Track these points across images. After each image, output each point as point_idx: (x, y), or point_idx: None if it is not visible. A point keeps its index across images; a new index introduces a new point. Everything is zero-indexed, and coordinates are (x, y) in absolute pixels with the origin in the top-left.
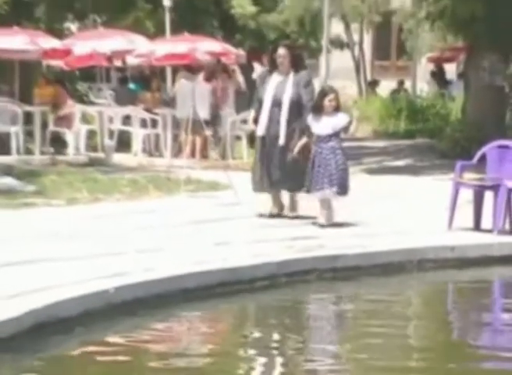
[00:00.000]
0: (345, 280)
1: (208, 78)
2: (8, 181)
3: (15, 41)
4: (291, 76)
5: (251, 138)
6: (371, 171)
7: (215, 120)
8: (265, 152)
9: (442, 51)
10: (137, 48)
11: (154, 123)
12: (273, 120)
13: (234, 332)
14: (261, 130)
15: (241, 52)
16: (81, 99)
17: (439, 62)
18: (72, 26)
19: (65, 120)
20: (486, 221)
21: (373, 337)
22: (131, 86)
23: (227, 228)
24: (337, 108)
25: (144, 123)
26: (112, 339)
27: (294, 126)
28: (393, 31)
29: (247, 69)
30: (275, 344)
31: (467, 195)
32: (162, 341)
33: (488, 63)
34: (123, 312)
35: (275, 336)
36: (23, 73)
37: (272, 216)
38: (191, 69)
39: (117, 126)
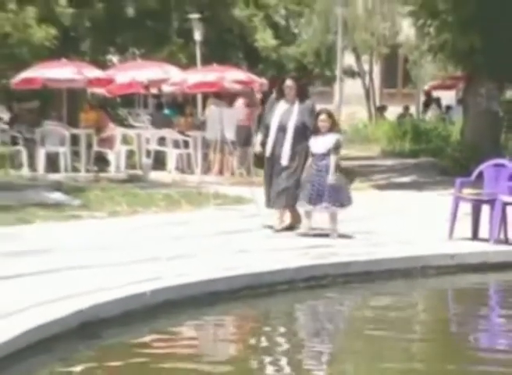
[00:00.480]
0: (356, 285)
1: (249, 104)
2: (58, 196)
3: (63, 72)
4: (296, 104)
5: (258, 159)
6: (380, 187)
7: (248, 141)
8: (270, 172)
9: (443, 80)
10: (171, 77)
11: (186, 144)
12: (278, 144)
13: (256, 331)
14: (268, 151)
15: (264, 81)
16: (121, 123)
17: (429, 92)
18: (114, 58)
19: (108, 142)
20: (483, 232)
21: (381, 335)
22: (166, 111)
23: (250, 237)
24: (331, 129)
25: (177, 144)
26: (148, 338)
27: (297, 150)
28: (400, 62)
29: (268, 96)
30: (296, 344)
31: (465, 208)
32: (193, 339)
33: (485, 90)
34: (158, 313)
35: (297, 336)
36: (70, 100)
37: (277, 231)
38: (219, 96)
39: (153, 146)
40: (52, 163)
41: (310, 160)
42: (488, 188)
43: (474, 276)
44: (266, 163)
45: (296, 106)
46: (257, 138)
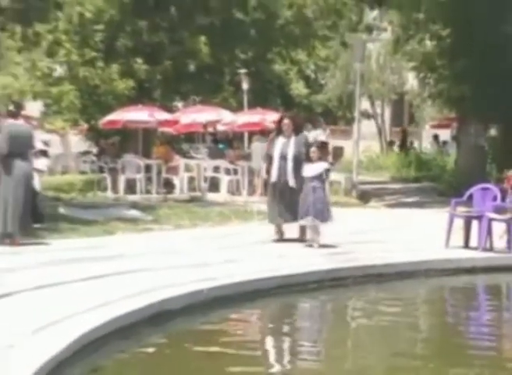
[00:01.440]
0: (372, 284)
1: None
2: (134, 213)
3: (139, 115)
4: (293, 138)
5: (264, 183)
6: (390, 205)
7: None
8: (277, 194)
9: (441, 121)
10: (224, 118)
11: (236, 172)
12: (281, 170)
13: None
14: (273, 178)
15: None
16: (184, 155)
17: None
18: (179, 104)
19: (174, 170)
20: (473, 241)
21: (393, 318)
22: (220, 145)
23: (286, 246)
24: (320, 158)
25: (228, 172)
26: (206, 326)
27: (297, 174)
28: (405, 106)
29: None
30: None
31: (459, 223)
32: (243, 328)
33: (474, 130)
34: (214, 307)
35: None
36: (145, 137)
37: (276, 241)
38: (262, 133)
39: (209, 173)
40: (130, 187)
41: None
42: (476, 207)
43: (466, 277)
44: (271, 186)
45: (293, 139)
46: (263, 167)
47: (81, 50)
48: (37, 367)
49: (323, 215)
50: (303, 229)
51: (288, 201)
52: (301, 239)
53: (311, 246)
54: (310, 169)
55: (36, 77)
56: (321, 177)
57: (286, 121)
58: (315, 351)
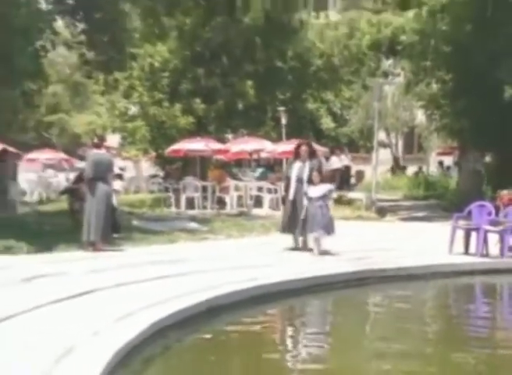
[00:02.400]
0: (389, 283)
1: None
2: (193, 225)
3: (197, 145)
4: (307, 163)
5: (283, 199)
6: (403, 219)
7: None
8: (294, 209)
9: (445, 149)
10: (266, 147)
11: (276, 191)
12: (298, 190)
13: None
14: (291, 196)
15: (326, 149)
16: (234, 177)
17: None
18: (230, 136)
19: (225, 190)
20: (472, 249)
21: (407, 312)
22: (263, 170)
23: (306, 253)
24: (322, 181)
25: (270, 191)
26: (251, 318)
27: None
28: (415, 137)
29: (327, 159)
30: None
31: (460, 234)
32: (277, 321)
33: (472, 157)
34: (252, 304)
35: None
36: (202, 163)
37: (292, 249)
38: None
39: (254, 193)
40: (190, 204)
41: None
42: (475, 221)
43: (466, 278)
44: (290, 203)
45: (307, 164)
46: (282, 186)
47: (151, 93)
48: (115, 350)
49: (328, 229)
50: (305, 240)
51: (299, 218)
52: (304, 248)
53: (313, 254)
54: (315, 191)
55: (115, 115)
56: (325, 197)
57: (303, 148)
58: (359, 330)
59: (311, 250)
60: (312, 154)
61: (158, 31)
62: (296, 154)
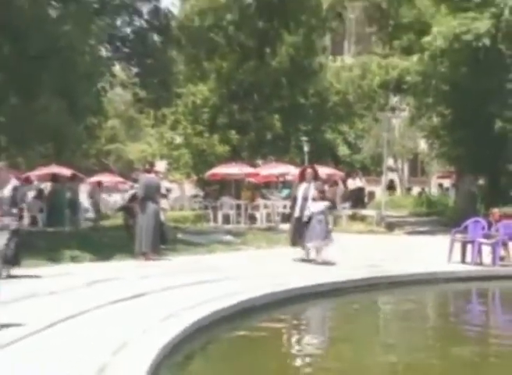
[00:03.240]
0: (397, 288)
1: (332, 185)
2: (228, 237)
3: (232, 170)
4: (312, 184)
5: (289, 216)
6: (409, 233)
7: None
8: (299, 225)
9: (444, 173)
10: (291, 171)
11: None
12: (302, 208)
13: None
14: (297, 213)
15: (342, 173)
16: (264, 197)
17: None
18: (259, 161)
19: (256, 208)
20: (468, 258)
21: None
22: (288, 191)
23: (335, 261)
24: (323, 199)
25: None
26: (278, 316)
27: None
28: (419, 162)
29: (344, 182)
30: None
31: (457, 245)
32: (305, 319)
33: (467, 180)
34: (282, 304)
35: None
36: (236, 185)
37: (303, 260)
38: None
39: (281, 210)
40: (226, 219)
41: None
42: (470, 234)
43: (463, 284)
44: (295, 219)
45: (312, 185)
46: (290, 204)
47: (193, 125)
48: (164, 343)
49: (326, 239)
50: (307, 251)
51: (304, 231)
52: (307, 258)
53: (316, 262)
54: (316, 206)
55: (163, 144)
56: (323, 212)
57: (308, 171)
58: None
59: (311, 260)
60: (316, 176)
61: (200, 73)
62: (302, 176)
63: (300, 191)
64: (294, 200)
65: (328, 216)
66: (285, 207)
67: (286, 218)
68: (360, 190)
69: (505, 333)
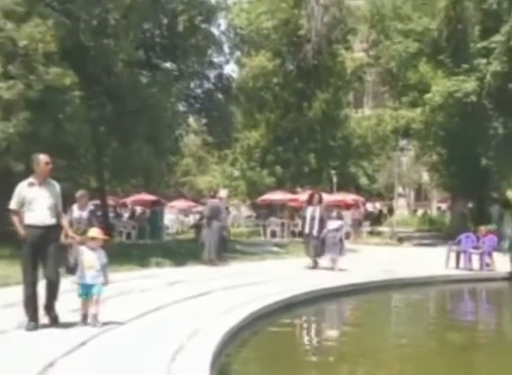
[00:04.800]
0: (406, 288)
1: (356, 208)
2: (275, 248)
3: (278, 196)
4: (318, 206)
5: (299, 233)
6: (415, 245)
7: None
8: (309, 240)
9: (441, 198)
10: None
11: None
12: (311, 226)
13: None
14: (306, 230)
15: (362, 199)
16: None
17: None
18: (299, 189)
19: (295, 225)
20: (461, 265)
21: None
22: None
23: (350, 266)
24: (338, 218)
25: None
26: (318, 309)
27: (319, 229)
28: (422, 190)
29: (364, 205)
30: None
31: (452, 255)
32: (338, 310)
33: (460, 204)
34: (319, 300)
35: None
36: (281, 208)
37: (312, 268)
38: (339, 206)
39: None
40: (273, 234)
41: (326, 232)
42: (463, 246)
43: (457, 285)
44: (305, 236)
45: (318, 207)
46: (300, 224)
47: (248, 162)
48: (223, 333)
49: (341, 252)
50: (316, 261)
51: (314, 245)
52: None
53: (333, 270)
54: (332, 224)
55: (224, 177)
56: (338, 230)
57: (316, 196)
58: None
59: (330, 268)
60: (320, 200)
61: (253, 123)
62: (310, 201)
63: (309, 213)
64: (303, 220)
65: (342, 233)
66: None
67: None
68: (379, 211)
69: (488, 321)
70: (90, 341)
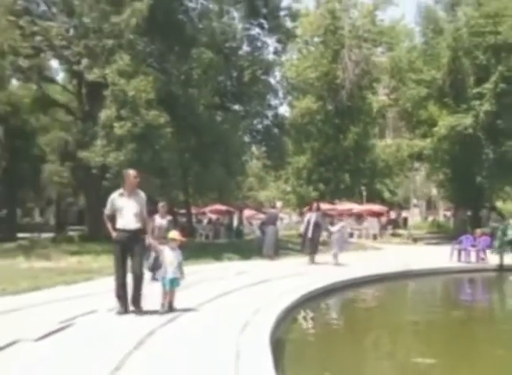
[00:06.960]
0: (412, 278)
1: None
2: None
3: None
4: (315, 213)
5: (300, 235)
6: (426, 244)
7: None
8: (306, 241)
9: (447, 208)
10: (355, 207)
11: (359, 229)
12: (308, 229)
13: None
14: (310, 234)
15: (386, 208)
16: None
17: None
18: (337, 201)
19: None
20: (462, 259)
21: (424, 290)
22: (354, 219)
23: (377, 259)
24: (340, 221)
25: (351, 234)
26: (352, 296)
27: (316, 231)
28: (432, 201)
29: (388, 214)
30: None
31: (455, 251)
32: (365, 299)
33: (461, 211)
34: (348, 288)
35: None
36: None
37: (309, 263)
38: (369, 213)
39: (349, 230)
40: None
41: (326, 234)
42: (463, 245)
43: (459, 275)
44: (303, 238)
45: (315, 214)
46: (301, 228)
47: (297, 180)
48: (281, 309)
49: (341, 249)
50: (312, 257)
51: (310, 244)
52: (312, 263)
53: (333, 264)
54: (335, 227)
55: (279, 192)
56: (340, 231)
57: (315, 205)
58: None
59: (336, 263)
60: (318, 208)
61: (301, 150)
62: (310, 208)
63: (307, 218)
64: (307, 224)
65: (344, 233)
66: (352, 228)
67: (351, 235)
68: (402, 218)
69: (482, 301)
70: (176, 318)
